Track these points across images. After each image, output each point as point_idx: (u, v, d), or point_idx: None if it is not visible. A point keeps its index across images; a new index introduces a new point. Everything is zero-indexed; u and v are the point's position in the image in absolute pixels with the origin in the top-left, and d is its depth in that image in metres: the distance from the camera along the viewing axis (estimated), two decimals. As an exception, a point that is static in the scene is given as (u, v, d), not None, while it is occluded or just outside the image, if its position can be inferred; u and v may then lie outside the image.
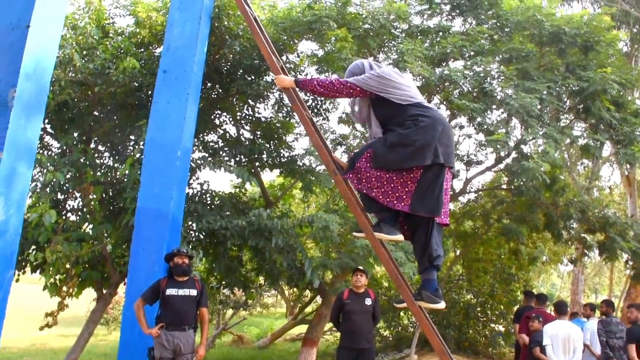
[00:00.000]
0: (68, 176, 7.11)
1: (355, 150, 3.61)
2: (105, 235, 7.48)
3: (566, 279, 35.38)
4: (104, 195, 7.75)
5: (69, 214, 8.03)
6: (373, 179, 3.40)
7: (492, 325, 15.24)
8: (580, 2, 17.55)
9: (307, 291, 13.22)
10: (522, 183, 9.38)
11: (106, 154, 8.72)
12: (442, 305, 3.43)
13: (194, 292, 5.40)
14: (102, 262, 7.64)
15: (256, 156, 9.00)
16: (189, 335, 5.31)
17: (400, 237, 3.41)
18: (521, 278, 15.08)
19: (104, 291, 7.91)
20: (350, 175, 3.47)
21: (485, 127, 9.04)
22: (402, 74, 3.69)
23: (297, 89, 3.85)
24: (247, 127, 9.75)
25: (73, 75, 7.20)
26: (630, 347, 6.73)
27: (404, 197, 3.33)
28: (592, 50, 9.08)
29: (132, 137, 8.31)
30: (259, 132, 9.60)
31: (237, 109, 9.46)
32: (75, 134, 8.05)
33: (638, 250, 9.78)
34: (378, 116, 3.61)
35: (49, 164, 7.24)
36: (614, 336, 7.46)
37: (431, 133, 3.34)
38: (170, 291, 5.29)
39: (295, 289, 13.01)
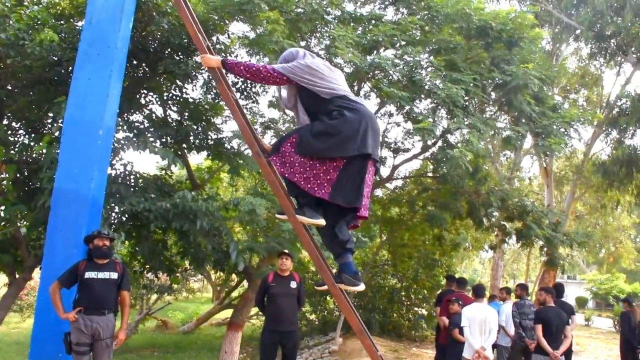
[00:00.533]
0: (-23, 154, 6.68)
1: (282, 134, 3.58)
2: (19, 217, 7.09)
3: (487, 265, 37.08)
4: (18, 175, 7.33)
5: (-23, 195, 7.56)
6: (296, 164, 3.38)
7: (416, 309, 15.77)
8: (507, -1, 18.20)
9: (234, 276, 13.13)
10: (446, 171, 9.67)
11: (21, 131, 8.25)
12: (361, 287, 3.48)
13: (114, 275, 5.21)
14: (15, 245, 7.25)
15: (183, 138, 8.79)
16: (108, 319, 5.12)
17: (321, 221, 3.42)
18: (444, 263, 15.66)
19: (17, 276, 7.51)
20: (274, 158, 3.44)
21: (413, 115, 9.24)
22: (334, 68, 3.68)
23: (224, 70, 3.76)
24: (175, 108, 9.49)
25: (-19, 45, 6.73)
26: (537, 327, 7.11)
27: (325, 184, 3.34)
28: (516, 45, 9.43)
29: (51, 114, 7.89)
30: (186, 114, 9.35)
31: (164, 89, 9.18)
32: (-14, 109, 7.56)
33: (551, 237, 10.35)
34: (305, 105, 3.61)
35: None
36: (527, 317, 7.89)
37: (357, 125, 3.35)
38: (90, 274, 5.06)
39: (221, 273, 12.88)
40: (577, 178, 19.56)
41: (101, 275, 5.13)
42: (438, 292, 12.63)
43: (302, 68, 3.46)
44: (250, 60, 10.13)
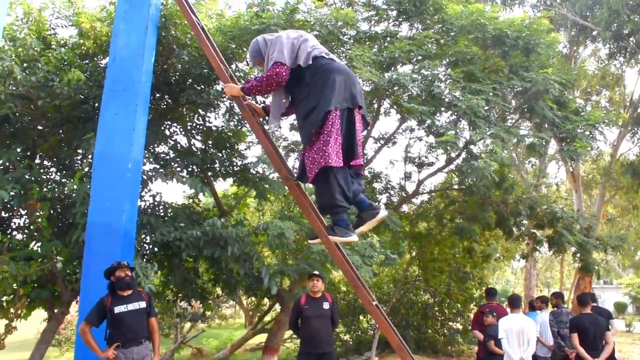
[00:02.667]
0: (12, 193, 6.85)
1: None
2: (55, 252, 7.24)
3: (519, 275, 36.38)
4: (52, 212, 7.51)
5: (14, 233, 7.74)
6: (310, 159, 3.46)
7: (450, 323, 15.51)
8: (521, 6, 18.16)
9: (266, 300, 13.13)
10: (472, 182, 9.62)
11: (53, 169, 8.46)
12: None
13: (143, 305, 5.26)
14: (52, 280, 7.39)
15: (208, 166, 8.92)
16: (145, 347, 5.19)
17: (354, 237, 3.45)
18: (476, 276, 15.42)
19: (55, 310, 7.65)
20: (310, 175, 3.48)
21: (435, 129, 9.23)
22: (298, 31, 3.80)
23: (245, 95, 3.86)
24: (198, 137, 9.64)
25: (14, 88, 6.97)
26: (573, 337, 6.97)
27: (328, 153, 3.38)
28: (533, 52, 9.40)
29: (80, 151, 8.09)
30: (210, 142, 9.50)
31: (188, 119, 9.35)
32: (19, 150, 7.77)
33: (584, 243, 10.16)
34: (293, 92, 3.74)
35: (-9, 182, 6.95)
36: (565, 326, 7.71)
37: (327, 83, 3.44)
38: (119, 309, 5.08)
39: (253, 298, 12.90)
40: (605, 180, 19.21)
41: (130, 307, 5.16)
42: (473, 305, 12.47)
43: (287, 45, 3.57)
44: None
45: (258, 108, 4.02)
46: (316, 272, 6.79)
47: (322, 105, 3.38)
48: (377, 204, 3.64)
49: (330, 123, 3.39)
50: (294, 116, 4.20)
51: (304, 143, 3.50)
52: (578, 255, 11.21)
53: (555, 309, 8.34)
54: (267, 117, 4.09)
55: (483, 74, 9.28)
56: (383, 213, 3.51)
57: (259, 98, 7.55)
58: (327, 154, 3.34)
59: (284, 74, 3.53)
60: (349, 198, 3.46)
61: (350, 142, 3.48)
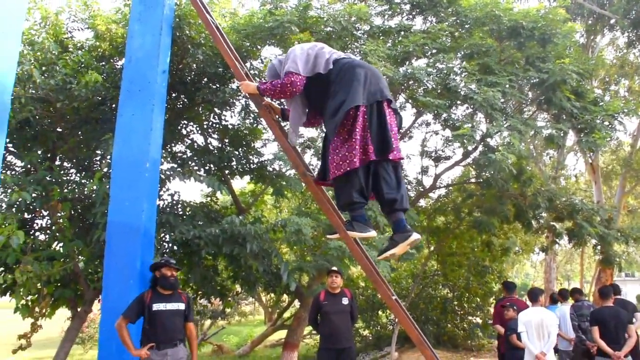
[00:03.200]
0: (34, 195, 6.96)
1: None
2: (77, 252, 7.35)
3: (539, 268, 36.08)
4: (72, 212, 7.61)
5: (37, 233, 7.86)
6: (337, 157, 3.43)
7: (470, 317, 15.46)
8: (536, -4, 17.96)
9: (285, 296, 13.20)
10: (490, 176, 9.56)
11: (72, 170, 8.57)
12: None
13: (182, 306, 5.24)
14: (75, 279, 7.50)
15: (225, 164, 8.96)
16: (180, 349, 5.13)
17: (372, 233, 3.44)
18: (495, 269, 15.34)
19: (79, 309, 7.77)
20: (332, 173, 3.45)
21: (451, 122, 9.18)
22: (312, 43, 3.83)
23: (260, 94, 3.89)
24: (215, 136, 9.70)
25: (33, 92, 7.07)
26: (593, 330, 6.90)
27: (355, 152, 3.35)
28: (549, 42, 9.30)
29: (99, 152, 8.19)
30: (226, 140, 9.55)
31: (204, 117, 9.41)
32: (39, 152, 7.90)
33: (604, 234, 10.05)
34: (312, 100, 3.75)
35: (13, 184, 7.07)
36: (585, 319, 7.63)
37: (354, 79, 3.43)
38: (158, 306, 5.03)
39: (272, 295, 12.97)
40: (625, 171, 18.93)
41: (169, 306, 5.12)
42: (492, 299, 12.41)
43: (301, 57, 3.60)
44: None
45: (274, 106, 4.04)
46: (335, 268, 6.81)
47: (350, 99, 3.35)
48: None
49: (358, 120, 3.35)
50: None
51: (330, 138, 3.48)
52: (599, 247, 11.07)
53: (576, 302, 8.26)
54: (278, 117, 4.11)
55: (499, 66, 9.20)
56: (415, 236, 3.41)
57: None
58: (351, 160, 3.32)
59: (298, 83, 3.55)
60: (366, 195, 3.44)
61: (384, 136, 3.40)
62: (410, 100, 9.99)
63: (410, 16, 10.68)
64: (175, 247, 7.89)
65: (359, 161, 3.32)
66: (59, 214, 7.29)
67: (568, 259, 34.40)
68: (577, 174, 23.90)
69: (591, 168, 18.30)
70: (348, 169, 3.33)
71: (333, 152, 3.42)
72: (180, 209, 8.58)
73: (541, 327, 6.72)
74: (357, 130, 3.34)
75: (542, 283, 22.79)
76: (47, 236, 7.75)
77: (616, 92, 19.03)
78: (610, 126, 9.49)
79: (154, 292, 5.12)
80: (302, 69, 3.56)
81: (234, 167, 9.30)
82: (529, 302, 7.48)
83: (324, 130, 3.75)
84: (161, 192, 8.25)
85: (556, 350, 7.78)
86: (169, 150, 9.07)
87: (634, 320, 7.00)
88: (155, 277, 5.21)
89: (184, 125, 9.41)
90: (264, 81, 3.85)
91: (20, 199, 6.71)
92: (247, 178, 10.05)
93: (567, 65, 8.64)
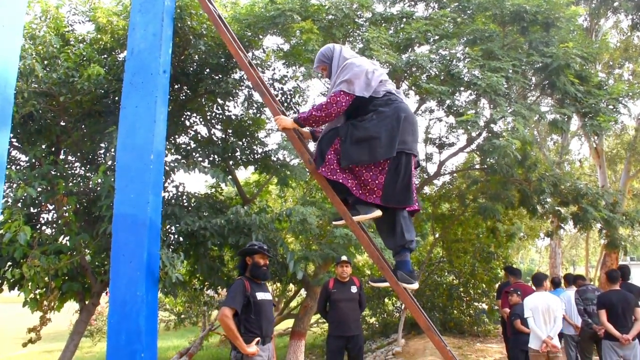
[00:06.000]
0: (39, 189, 6.98)
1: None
2: (83, 245, 7.38)
3: (544, 254, 36.07)
4: (78, 206, 7.64)
5: (43, 227, 7.90)
6: (347, 171, 3.42)
7: (476, 304, 15.49)
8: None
9: (291, 285, 13.25)
10: (494, 161, 9.52)
11: (77, 163, 8.59)
12: (415, 285, 3.50)
13: (271, 296, 4.86)
14: (82, 273, 7.54)
15: (229, 154, 8.97)
16: (272, 345, 4.74)
17: (377, 212, 3.41)
18: (500, 255, 15.35)
19: (87, 302, 7.81)
20: (323, 169, 3.44)
21: (455, 109, 9.15)
22: (372, 61, 3.69)
23: (299, 126, 3.66)
24: (218, 126, 9.70)
25: (36, 86, 7.06)
26: (600, 313, 6.92)
27: (375, 189, 3.36)
28: (553, 26, 9.23)
29: (103, 145, 8.21)
30: (230, 131, 9.55)
31: (207, 108, 9.40)
32: (44, 146, 7.91)
33: (610, 218, 10.02)
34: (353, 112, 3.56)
35: (18, 179, 7.09)
36: (591, 303, 7.63)
37: (394, 123, 3.34)
38: (260, 295, 4.55)
39: (279, 284, 13.03)
40: (630, 155, 18.84)
41: (268, 296, 4.72)
42: (497, 285, 12.42)
43: (359, 76, 3.40)
44: (287, 71, 10.27)
45: (305, 132, 3.93)
46: (344, 258, 6.83)
47: (386, 146, 3.29)
48: (416, 273, 3.60)
49: (386, 161, 3.35)
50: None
51: (344, 164, 3.38)
52: (604, 231, 11.05)
53: (580, 287, 8.26)
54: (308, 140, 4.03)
55: (502, 51, 9.14)
56: (414, 286, 3.49)
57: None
58: (369, 188, 3.34)
59: (344, 103, 3.37)
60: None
61: (408, 187, 3.40)
62: (413, 87, 9.94)
63: (412, 2, 10.62)
64: (181, 239, 7.93)
65: (379, 199, 3.36)
66: (64, 208, 7.31)
67: (573, 244, 34.36)
68: (582, 158, 23.81)
69: (595, 152, 18.23)
70: (367, 200, 3.35)
71: (353, 171, 3.39)
72: (185, 201, 8.60)
73: (547, 312, 6.74)
74: (384, 171, 3.37)
75: (548, 268, 22.79)
76: (53, 230, 7.79)
77: (620, 75, 18.90)
78: (614, 110, 9.43)
79: (250, 281, 4.65)
80: (357, 91, 3.38)
81: (238, 157, 9.31)
82: (533, 287, 7.49)
83: (336, 125, 3.61)
84: (166, 184, 8.28)
85: (561, 335, 7.80)
86: (173, 142, 9.08)
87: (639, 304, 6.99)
88: (245, 264, 4.79)
89: (188, 117, 9.41)
90: (302, 112, 3.61)
91: (25, 194, 6.73)
92: (251, 168, 10.08)
93: (571, 49, 8.57)
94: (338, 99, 3.37)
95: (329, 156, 3.44)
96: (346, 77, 3.38)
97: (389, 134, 3.32)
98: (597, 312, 7.22)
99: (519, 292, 7.99)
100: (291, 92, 9.36)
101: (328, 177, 3.44)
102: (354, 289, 6.62)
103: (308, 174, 8.53)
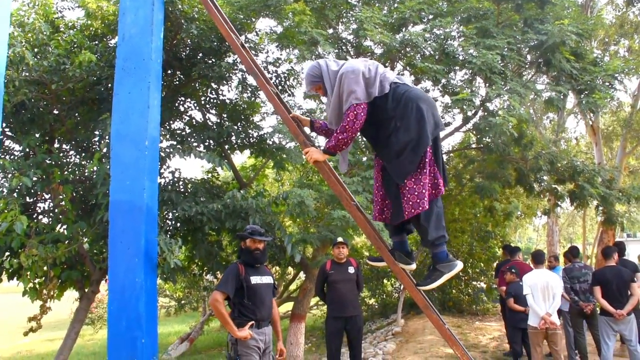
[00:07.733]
0: (35, 178, 6.93)
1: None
2: (81, 233, 7.37)
3: (541, 232, 36.25)
4: (74, 194, 7.60)
5: (40, 217, 7.87)
6: (411, 197, 3.30)
7: (474, 283, 15.61)
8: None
9: (290, 269, 13.30)
10: (490, 140, 9.52)
11: (72, 152, 8.54)
12: (413, 266, 3.56)
13: (270, 280, 4.87)
14: (81, 261, 7.53)
15: (225, 139, 8.92)
16: (270, 328, 4.80)
17: (460, 265, 3.59)
18: (498, 234, 15.43)
19: (86, 290, 7.82)
20: (404, 215, 3.32)
21: (450, 88, 9.11)
22: (365, 59, 3.60)
23: (330, 155, 3.56)
24: (213, 111, 9.64)
25: (27, 74, 6.97)
26: (595, 289, 7.00)
27: (426, 191, 3.30)
28: (548, 3, 9.18)
29: (97, 132, 8.14)
30: (225, 115, 9.49)
31: (201, 93, 9.33)
32: (37, 135, 7.84)
33: (606, 195, 10.06)
34: (371, 128, 3.50)
35: (13, 168, 7.05)
36: (578, 280, 7.69)
37: (418, 116, 3.27)
38: (255, 279, 4.60)
39: (277, 267, 13.07)
40: (626, 132, 18.85)
41: (265, 280, 4.74)
42: (495, 264, 12.49)
43: (358, 81, 3.32)
44: (281, 54, 10.19)
45: (301, 117, 3.90)
46: (340, 240, 6.86)
47: (422, 141, 3.22)
48: (415, 253, 3.62)
49: (427, 156, 3.28)
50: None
51: (399, 180, 3.30)
52: (600, 208, 11.10)
53: (567, 265, 8.30)
54: (303, 125, 3.96)
55: (497, 29, 9.09)
56: (412, 267, 3.56)
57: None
58: (422, 199, 3.25)
59: (362, 114, 3.29)
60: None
61: (444, 168, 3.42)
62: (408, 67, 9.88)
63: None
64: (178, 225, 7.92)
65: (428, 196, 3.29)
66: (60, 197, 7.27)
67: (570, 222, 34.51)
68: (578, 136, 23.85)
69: (592, 130, 18.22)
70: (426, 206, 3.25)
71: (408, 193, 3.28)
72: (181, 186, 8.58)
73: (546, 289, 6.80)
74: (428, 167, 3.28)
75: (545, 246, 22.94)
76: (50, 219, 7.75)
77: (616, 52, 18.84)
78: (610, 86, 9.42)
79: (246, 265, 4.71)
80: (362, 97, 3.30)
81: (234, 142, 9.26)
82: (532, 265, 7.53)
83: (378, 162, 3.58)
84: (162, 170, 8.25)
85: (560, 312, 7.86)
86: (168, 127, 9.02)
87: (635, 279, 7.05)
88: (241, 249, 4.85)
89: (182, 102, 9.34)
90: (328, 141, 3.52)
91: (21, 184, 6.70)
92: (247, 152, 10.03)
93: (566, 26, 8.52)
94: (355, 112, 3.29)
95: (405, 198, 3.32)
96: (348, 89, 3.31)
97: (419, 129, 3.25)
98: (587, 289, 7.41)
99: (513, 270, 8.05)
100: (285, 75, 9.29)
101: (415, 214, 3.30)
102: (351, 270, 6.66)
103: (304, 157, 8.50)
